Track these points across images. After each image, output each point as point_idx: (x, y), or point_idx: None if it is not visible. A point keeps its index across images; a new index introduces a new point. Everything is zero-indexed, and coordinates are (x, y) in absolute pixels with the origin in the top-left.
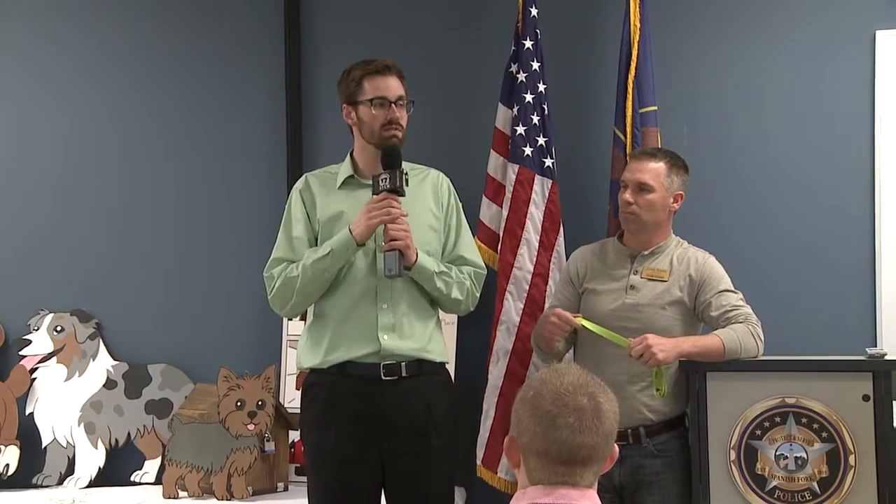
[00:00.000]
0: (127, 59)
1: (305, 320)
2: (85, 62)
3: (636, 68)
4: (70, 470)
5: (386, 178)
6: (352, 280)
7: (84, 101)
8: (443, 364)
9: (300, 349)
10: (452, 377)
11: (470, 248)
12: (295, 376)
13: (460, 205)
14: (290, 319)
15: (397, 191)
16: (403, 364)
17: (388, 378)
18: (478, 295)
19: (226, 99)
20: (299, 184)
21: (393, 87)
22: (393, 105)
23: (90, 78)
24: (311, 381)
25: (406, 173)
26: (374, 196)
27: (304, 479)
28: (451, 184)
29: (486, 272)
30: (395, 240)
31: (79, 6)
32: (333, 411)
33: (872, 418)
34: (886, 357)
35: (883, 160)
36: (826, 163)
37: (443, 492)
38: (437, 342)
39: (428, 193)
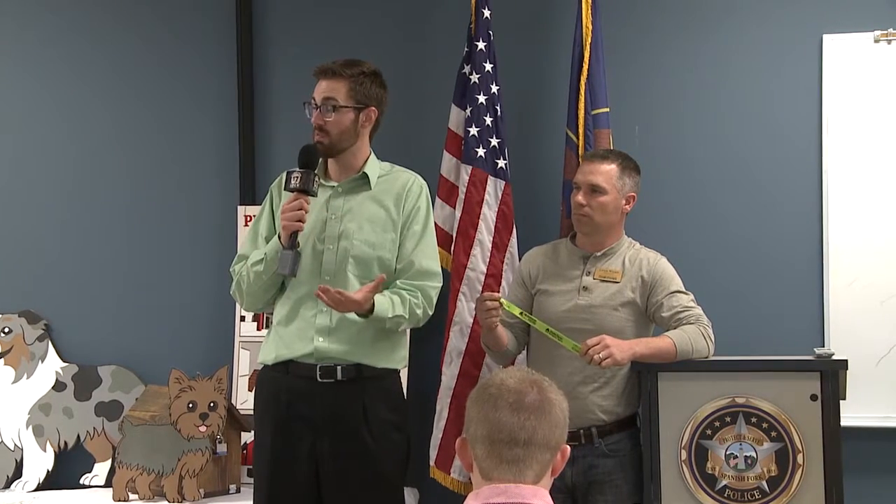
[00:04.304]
0: (77, 57)
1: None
2: (32, 61)
3: (588, 70)
4: (18, 473)
5: (298, 177)
6: (297, 281)
7: (32, 100)
8: (388, 370)
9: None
10: (405, 378)
11: (427, 256)
12: (247, 377)
13: (431, 213)
14: (252, 317)
15: (307, 191)
16: (339, 367)
17: (324, 380)
18: (431, 313)
19: (178, 100)
20: (276, 180)
21: (319, 89)
22: (319, 109)
23: (37, 77)
24: (260, 375)
25: (317, 175)
26: (290, 196)
27: None
28: (425, 189)
29: (441, 284)
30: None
31: (23, 1)
32: (273, 407)
33: (820, 417)
34: (834, 357)
35: (830, 162)
36: (775, 164)
37: (381, 496)
38: (384, 348)
39: (390, 195)
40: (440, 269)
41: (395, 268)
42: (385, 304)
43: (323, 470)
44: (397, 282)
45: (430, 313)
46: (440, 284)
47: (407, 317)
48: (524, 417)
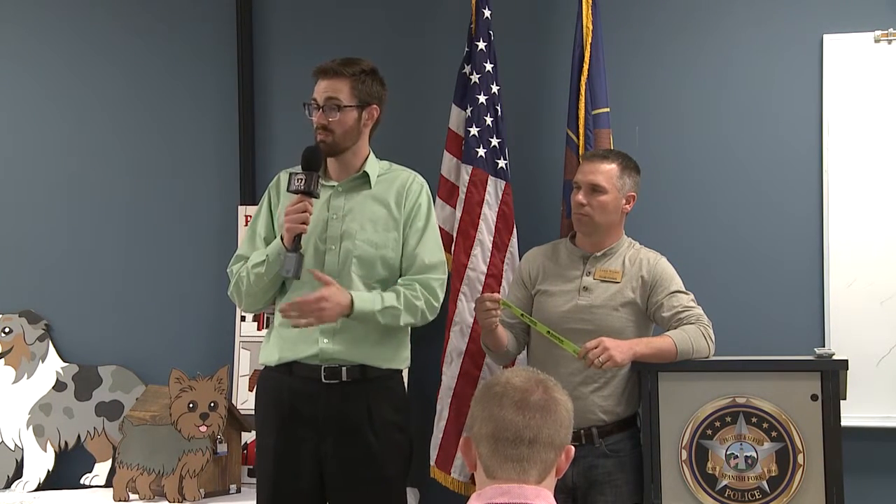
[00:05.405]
0: (77, 57)
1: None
2: (32, 61)
3: (588, 70)
4: (18, 473)
5: (301, 179)
6: (299, 283)
7: (32, 100)
8: (392, 370)
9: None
10: (406, 378)
11: (430, 251)
12: (248, 377)
13: (432, 209)
14: (253, 317)
15: (311, 193)
16: (344, 368)
17: (329, 381)
18: (437, 305)
19: (178, 100)
20: (273, 180)
21: (321, 89)
22: (321, 109)
23: (37, 77)
24: (261, 377)
25: (319, 177)
26: (293, 198)
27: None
28: (425, 187)
29: (445, 277)
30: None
31: (23, 2)
32: (276, 409)
33: (820, 417)
34: (834, 357)
35: (830, 162)
36: (775, 164)
37: (384, 497)
38: (387, 348)
39: (390, 194)
40: (445, 261)
41: (400, 266)
42: (365, 297)
43: (327, 470)
44: (398, 280)
45: (437, 305)
46: (444, 275)
47: (402, 307)
48: (529, 416)
